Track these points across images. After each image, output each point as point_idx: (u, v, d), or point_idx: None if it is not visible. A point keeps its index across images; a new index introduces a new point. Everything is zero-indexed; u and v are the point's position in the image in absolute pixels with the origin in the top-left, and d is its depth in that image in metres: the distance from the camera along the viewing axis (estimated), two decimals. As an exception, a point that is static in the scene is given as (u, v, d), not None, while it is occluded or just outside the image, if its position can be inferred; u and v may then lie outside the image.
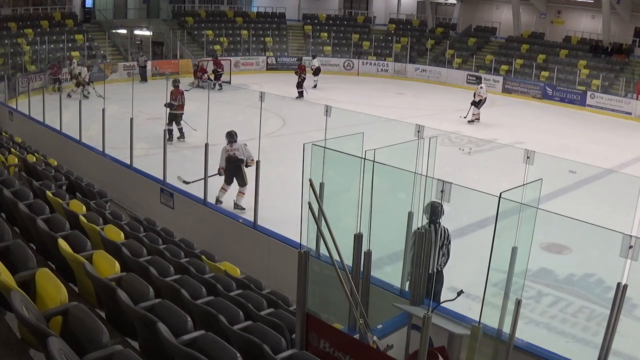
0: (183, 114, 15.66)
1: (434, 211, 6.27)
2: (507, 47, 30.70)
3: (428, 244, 5.61)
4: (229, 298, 5.40)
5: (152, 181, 10.79)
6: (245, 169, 10.75)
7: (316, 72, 26.51)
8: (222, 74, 25.55)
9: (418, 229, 5.91)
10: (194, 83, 25.32)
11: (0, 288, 3.98)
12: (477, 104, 20.37)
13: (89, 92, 21.61)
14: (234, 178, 10.82)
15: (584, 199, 12.50)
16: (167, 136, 12.97)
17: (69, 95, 20.51)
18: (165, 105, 13.49)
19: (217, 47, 30.88)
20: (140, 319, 4.13)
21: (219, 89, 24.60)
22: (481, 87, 20.69)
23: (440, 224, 6.47)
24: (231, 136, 10.70)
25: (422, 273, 5.59)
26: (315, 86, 26.21)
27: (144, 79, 25.87)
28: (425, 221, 6.17)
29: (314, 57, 27.75)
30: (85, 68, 22.85)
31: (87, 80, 22.05)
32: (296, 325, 4.64)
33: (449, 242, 6.73)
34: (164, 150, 10.53)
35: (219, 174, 10.71)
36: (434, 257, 6.26)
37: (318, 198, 4.98)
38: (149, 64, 27.44)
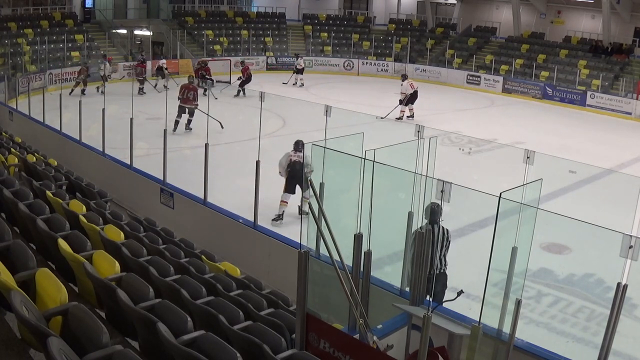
0: (194, 108, 16.62)
1: (433, 212, 6.29)
2: (507, 47, 30.71)
3: (428, 244, 5.62)
4: (229, 298, 5.40)
5: (152, 181, 10.79)
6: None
7: (300, 71, 26.53)
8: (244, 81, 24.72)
9: (419, 228, 5.92)
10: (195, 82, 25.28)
11: (0, 288, 3.98)
12: (402, 102, 20.09)
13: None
14: (296, 185, 10.59)
15: (584, 199, 12.50)
16: (174, 127, 15.84)
17: (101, 92, 21.34)
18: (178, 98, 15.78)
19: (217, 47, 30.89)
20: (140, 319, 4.14)
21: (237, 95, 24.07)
22: (401, 85, 20.42)
23: (440, 225, 6.47)
24: (297, 145, 10.66)
25: (422, 273, 5.59)
26: (302, 85, 26.17)
27: (162, 76, 25.76)
28: (425, 222, 6.18)
29: (298, 57, 27.53)
30: (108, 64, 24.18)
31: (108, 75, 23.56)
32: (296, 325, 4.64)
33: (448, 244, 6.71)
34: (164, 150, 10.53)
35: (281, 174, 10.68)
36: (433, 257, 6.26)
37: (318, 198, 4.98)
38: (149, 64, 27.42)
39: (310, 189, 4.81)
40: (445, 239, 6.61)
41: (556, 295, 8.37)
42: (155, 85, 24.11)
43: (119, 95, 17.60)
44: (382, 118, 19.76)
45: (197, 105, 16.59)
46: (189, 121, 16.72)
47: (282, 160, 10.67)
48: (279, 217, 10.38)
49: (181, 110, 16.50)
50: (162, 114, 10.90)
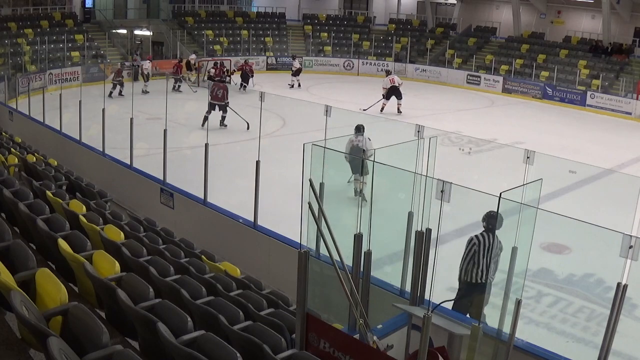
0: (224, 104, 17.27)
1: (491, 220, 6.12)
2: (507, 47, 30.70)
3: (486, 252, 5.57)
4: (229, 298, 5.40)
5: (152, 181, 10.79)
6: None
7: (297, 72, 26.42)
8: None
9: (475, 237, 5.87)
10: (196, 83, 25.37)
11: (0, 288, 3.98)
12: (385, 96, 21.16)
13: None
14: (359, 168, 11.09)
15: (584, 199, 12.50)
16: (202, 123, 16.32)
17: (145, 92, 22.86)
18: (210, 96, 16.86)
19: (217, 47, 30.88)
20: (140, 319, 4.13)
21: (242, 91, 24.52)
22: (384, 80, 21.58)
23: (496, 234, 6.25)
24: (358, 129, 11.40)
25: (421, 273, 5.59)
26: (299, 85, 26.12)
27: (136, 78, 25.81)
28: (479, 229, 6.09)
29: (294, 58, 27.43)
30: (148, 62, 25.12)
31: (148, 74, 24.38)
32: (296, 325, 4.64)
33: (499, 255, 6.43)
34: (164, 150, 10.53)
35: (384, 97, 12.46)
36: (486, 266, 6.14)
37: (318, 198, 4.98)
38: (147, 64, 27.45)
39: (310, 189, 4.81)
40: (499, 249, 6.36)
41: (556, 295, 8.37)
42: (192, 82, 24.84)
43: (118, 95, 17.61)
44: (364, 110, 20.83)
45: (228, 102, 17.28)
46: (223, 118, 17.26)
47: (346, 144, 11.29)
48: (356, 192, 11.09)
49: (211, 107, 16.97)
50: (162, 114, 10.89)
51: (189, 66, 25.94)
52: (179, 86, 23.82)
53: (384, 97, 21.32)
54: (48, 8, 28.28)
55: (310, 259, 4.52)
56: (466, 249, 6.24)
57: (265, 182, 9.01)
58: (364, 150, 11.14)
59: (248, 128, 16.08)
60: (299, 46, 33.31)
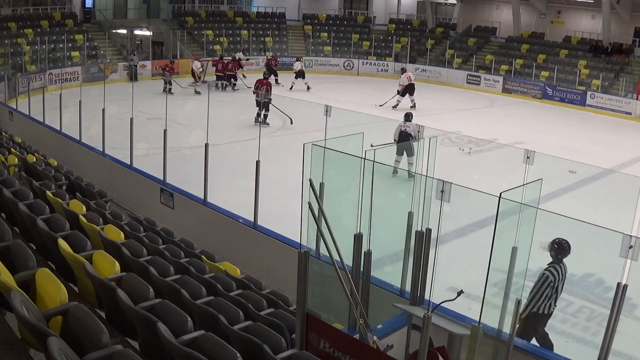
0: (267, 102, 17.75)
1: (561, 249, 5.98)
2: (507, 47, 30.70)
3: (556, 286, 5.50)
4: (229, 298, 5.40)
5: (152, 181, 10.79)
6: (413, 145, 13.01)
7: (298, 74, 25.84)
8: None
9: (546, 270, 5.78)
10: (195, 83, 25.37)
11: (0, 288, 3.98)
12: (399, 92, 21.95)
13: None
14: (404, 151, 13.01)
15: (584, 199, 12.50)
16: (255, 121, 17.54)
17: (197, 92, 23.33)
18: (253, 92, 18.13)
19: (217, 47, 30.88)
20: (140, 319, 4.14)
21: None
22: (401, 77, 22.39)
23: (563, 262, 6.09)
24: (407, 116, 13.48)
25: (421, 274, 5.59)
26: (290, 88, 25.58)
27: (135, 78, 25.78)
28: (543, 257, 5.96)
29: (297, 60, 27.26)
30: (197, 61, 25.34)
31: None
32: (296, 325, 4.64)
33: (564, 281, 6.22)
34: (164, 150, 10.53)
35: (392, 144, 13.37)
36: (555, 297, 5.95)
37: (318, 198, 4.98)
38: (148, 64, 27.50)
39: (310, 189, 4.81)
40: (564, 277, 6.17)
41: (556, 295, 8.37)
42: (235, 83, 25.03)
43: (119, 95, 17.60)
44: (380, 105, 21.67)
45: (270, 99, 17.75)
46: (265, 116, 17.79)
47: (396, 129, 13.31)
48: (394, 171, 12.52)
49: (258, 104, 17.91)
50: (162, 114, 10.89)
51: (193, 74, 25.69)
52: (170, 88, 23.40)
53: (399, 94, 21.88)
54: (48, 8, 28.28)
55: (310, 259, 4.52)
56: (539, 284, 6.02)
57: (265, 182, 9.02)
58: (411, 134, 13.03)
59: (292, 123, 16.34)
60: (299, 46, 33.31)
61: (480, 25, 33.12)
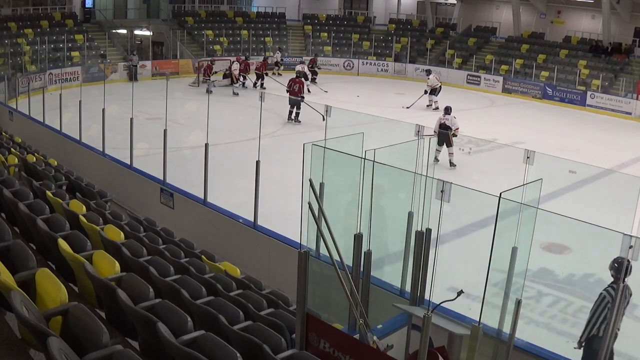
0: (299, 100, 18.37)
1: (620, 269, 5.60)
2: (507, 47, 30.70)
3: (612, 307, 5.29)
4: (229, 298, 5.40)
5: (152, 181, 10.78)
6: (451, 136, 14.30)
7: (305, 76, 26.00)
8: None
9: (606, 291, 5.58)
10: (196, 83, 25.39)
11: (0, 288, 3.98)
12: (427, 92, 22.57)
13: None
14: (444, 142, 14.15)
15: (584, 199, 12.50)
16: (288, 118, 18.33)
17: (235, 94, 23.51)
18: (287, 91, 18.61)
19: (217, 47, 30.88)
20: (140, 319, 4.13)
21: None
22: (428, 78, 22.99)
23: (626, 282, 5.71)
24: (447, 109, 14.68)
25: (420, 274, 5.59)
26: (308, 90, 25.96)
27: (135, 78, 25.77)
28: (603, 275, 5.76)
29: (301, 63, 27.35)
30: (237, 63, 25.31)
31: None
32: (296, 325, 4.64)
33: (628, 303, 5.90)
34: (164, 150, 10.53)
35: (434, 135, 14.27)
36: (616, 320, 5.81)
37: (318, 198, 4.98)
38: (149, 64, 27.49)
39: (310, 189, 4.81)
40: (629, 297, 5.86)
41: (556, 295, 8.37)
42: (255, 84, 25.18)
43: (119, 95, 17.61)
44: (407, 107, 22.07)
45: (303, 97, 18.42)
46: (297, 114, 18.33)
47: (436, 121, 14.64)
48: (435, 159, 13.83)
49: (290, 103, 18.41)
50: (162, 114, 10.89)
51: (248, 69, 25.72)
52: (210, 91, 23.46)
53: (427, 93, 22.59)
54: (48, 8, 28.27)
55: (310, 259, 4.53)
56: (596, 304, 5.78)
57: (265, 182, 9.01)
58: (449, 127, 14.32)
59: (324, 119, 16.43)
60: (299, 46, 33.31)
61: (480, 25, 33.12)
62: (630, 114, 24.08)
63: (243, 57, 27.07)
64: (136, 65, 26.44)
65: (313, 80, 25.68)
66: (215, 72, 25.17)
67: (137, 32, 30.09)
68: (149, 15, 32.31)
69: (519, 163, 5.67)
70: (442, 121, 14.61)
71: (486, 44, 31.81)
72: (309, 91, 25.85)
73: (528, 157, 5.67)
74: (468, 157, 15.73)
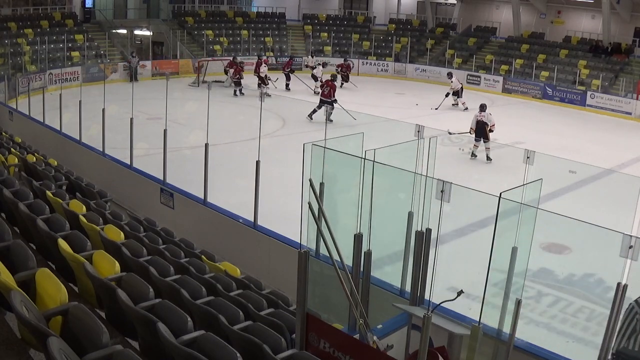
0: (332, 101, 18.69)
1: None
2: (507, 47, 30.70)
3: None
4: (229, 298, 5.40)
5: (152, 181, 10.79)
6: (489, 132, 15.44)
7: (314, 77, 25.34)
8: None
9: (636, 300, 5.45)
10: (196, 83, 25.40)
11: (0, 288, 3.98)
12: (454, 93, 23.10)
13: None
14: (481, 137, 15.38)
15: (584, 199, 12.50)
16: (317, 115, 18.60)
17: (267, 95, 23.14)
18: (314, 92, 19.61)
19: (217, 47, 30.89)
20: (140, 319, 4.13)
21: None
22: (451, 81, 23.31)
23: None
24: (482, 107, 15.64)
25: (420, 274, 5.59)
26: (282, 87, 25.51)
27: (135, 78, 25.68)
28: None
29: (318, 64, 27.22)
30: (265, 65, 24.73)
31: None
32: (296, 325, 4.64)
33: None
34: (164, 150, 10.53)
35: (469, 133, 15.64)
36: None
37: (318, 198, 4.98)
38: (149, 64, 27.49)
39: (310, 189, 4.81)
40: None
41: (556, 295, 8.37)
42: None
43: (119, 95, 17.61)
44: (435, 109, 22.47)
45: (335, 100, 18.72)
46: (329, 113, 18.30)
47: (473, 118, 15.63)
48: (472, 154, 15.69)
49: (321, 103, 18.86)
50: (162, 114, 10.89)
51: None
52: (240, 90, 23.49)
53: (448, 96, 23.07)
54: (48, 8, 28.27)
55: (310, 259, 4.52)
56: (624, 315, 5.74)
57: (265, 182, 9.01)
58: (486, 123, 15.33)
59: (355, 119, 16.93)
60: (299, 46, 33.31)
61: (480, 25, 33.12)
62: (630, 114, 24.08)
63: (265, 57, 26.72)
64: (136, 67, 26.40)
65: (343, 83, 26.07)
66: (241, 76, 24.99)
67: (137, 32, 30.09)
68: (149, 15, 32.31)
69: (519, 163, 5.68)
70: (479, 118, 15.33)
71: (486, 44, 31.81)
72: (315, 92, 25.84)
73: (528, 157, 5.67)
74: (468, 157, 15.74)
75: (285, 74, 25.55)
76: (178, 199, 10.15)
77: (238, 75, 23.94)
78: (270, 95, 22.91)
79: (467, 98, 23.06)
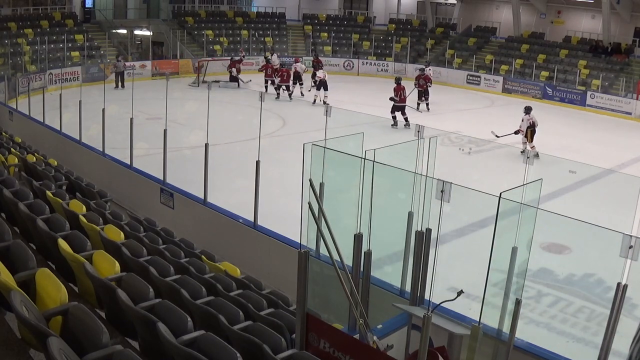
0: (405, 106, 18.97)
1: None
2: (507, 47, 30.70)
3: None
4: (229, 298, 5.40)
5: (152, 181, 10.78)
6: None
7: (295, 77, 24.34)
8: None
9: None
10: (196, 83, 25.40)
11: (0, 288, 3.98)
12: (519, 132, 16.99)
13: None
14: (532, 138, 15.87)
15: (584, 199, 12.50)
16: (393, 122, 18.74)
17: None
18: (390, 99, 18.81)
19: (217, 47, 30.88)
20: (140, 319, 4.14)
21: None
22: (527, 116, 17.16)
23: None
24: (527, 110, 16.16)
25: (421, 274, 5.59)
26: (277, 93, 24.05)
27: (122, 85, 24.05)
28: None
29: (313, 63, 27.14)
30: (299, 64, 24.42)
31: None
32: (296, 325, 4.64)
33: None
34: (164, 150, 10.53)
35: (516, 134, 16.02)
36: None
37: (318, 198, 4.98)
38: (149, 64, 27.46)
39: (310, 189, 4.81)
40: None
41: (556, 295, 8.37)
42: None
43: (119, 95, 17.63)
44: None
45: (405, 104, 19.00)
46: (405, 119, 18.75)
47: (523, 123, 15.98)
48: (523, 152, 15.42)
49: (395, 109, 19.14)
50: (162, 114, 10.89)
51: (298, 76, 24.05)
52: (278, 94, 22.84)
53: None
54: (48, 8, 28.27)
55: (310, 259, 4.53)
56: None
57: (265, 182, 9.01)
58: (535, 122, 15.92)
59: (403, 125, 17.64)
60: (299, 46, 33.31)
61: (480, 25, 33.12)
62: (630, 114, 24.08)
63: (239, 57, 26.87)
64: (122, 71, 24.27)
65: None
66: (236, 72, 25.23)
67: (137, 32, 30.08)
68: (149, 15, 32.31)
69: (519, 163, 5.67)
70: (531, 120, 15.94)
71: (486, 44, 31.80)
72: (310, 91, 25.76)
73: (528, 157, 5.67)
74: (468, 157, 15.74)
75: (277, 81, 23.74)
76: (178, 199, 10.15)
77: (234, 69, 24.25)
78: (303, 94, 23.23)
79: (467, 98, 23.04)
